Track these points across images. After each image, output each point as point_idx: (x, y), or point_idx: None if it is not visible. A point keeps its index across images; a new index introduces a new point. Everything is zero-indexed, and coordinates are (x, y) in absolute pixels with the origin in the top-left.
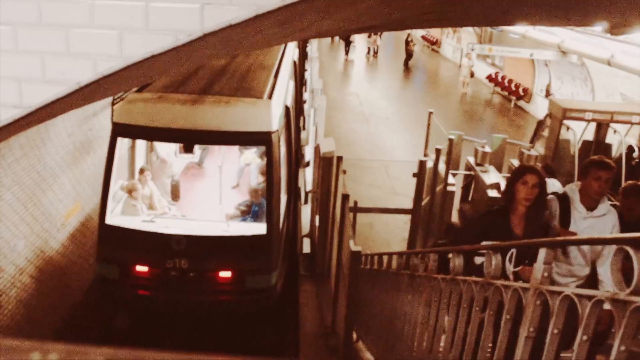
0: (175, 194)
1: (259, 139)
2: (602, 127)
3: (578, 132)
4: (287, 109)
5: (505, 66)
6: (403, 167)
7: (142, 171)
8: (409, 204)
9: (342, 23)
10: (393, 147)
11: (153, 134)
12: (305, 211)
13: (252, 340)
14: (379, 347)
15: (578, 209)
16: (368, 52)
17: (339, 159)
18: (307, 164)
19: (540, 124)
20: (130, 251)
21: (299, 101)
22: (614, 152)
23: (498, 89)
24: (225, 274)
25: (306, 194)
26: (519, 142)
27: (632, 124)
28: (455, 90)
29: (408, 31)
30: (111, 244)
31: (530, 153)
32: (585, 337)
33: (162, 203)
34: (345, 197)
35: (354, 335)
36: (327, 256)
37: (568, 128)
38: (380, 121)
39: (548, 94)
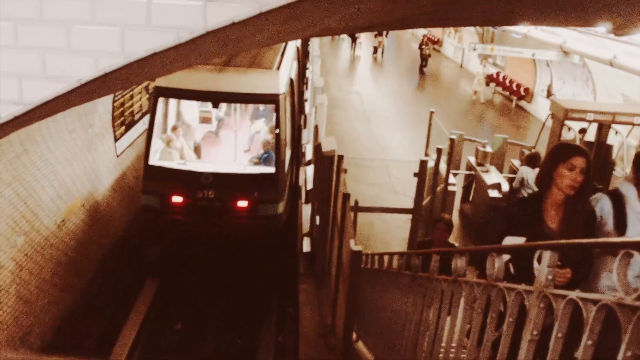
0: (197, 154)
1: (270, 99)
2: (603, 128)
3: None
4: (291, 80)
5: (507, 66)
6: (404, 167)
7: (174, 128)
8: (409, 203)
9: (345, 21)
10: (394, 146)
11: (187, 94)
12: (306, 210)
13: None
14: (379, 347)
15: (635, 209)
16: (374, 52)
17: (340, 157)
18: (309, 163)
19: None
20: (168, 185)
21: (300, 78)
22: (615, 154)
23: (499, 89)
24: (243, 203)
25: (307, 192)
26: (520, 142)
27: (633, 125)
28: (457, 89)
29: (420, 34)
30: (153, 180)
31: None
32: (590, 342)
33: (191, 154)
34: (346, 196)
35: (354, 335)
36: (328, 255)
37: (569, 129)
38: (381, 120)
39: (549, 94)
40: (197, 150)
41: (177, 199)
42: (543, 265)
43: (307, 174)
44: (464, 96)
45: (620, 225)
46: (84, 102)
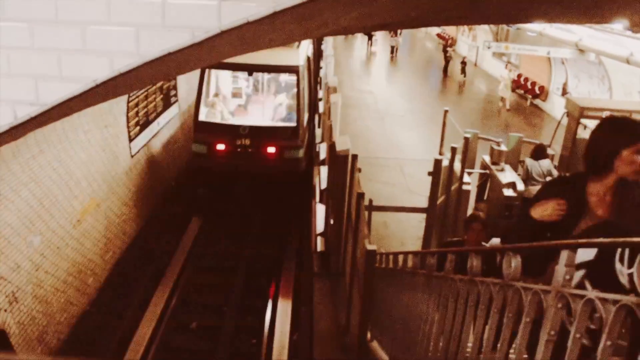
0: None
1: (292, 70)
2: None
3: None
4: (308, 57)
5: (522, 64)
6: (418, 166)
7: (216, 94)
8: (424, 202)
9: (359, 20)
10: (408, 145)
11: (229, 66)
12: (320, 209)
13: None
14: (394, 347)
15: None
16: (392, 52)
17: (354, 157)
18: (323, 162)
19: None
20: (213, 135)
21: (315, 57)
22: None
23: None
24: (272, 149)
25: (321, 192)
26: (535, 141)
27: None
28: (471, 88)
29: (434, 32)
30: (202, 132)
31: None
32: (609, 343)
33: (229, 115)
34: (361, 196)
35: (369, 335)
36: (342, 255)
37: (585, 127)
38: (395, 119)
39: (565, 92)
40: (232, 114)
41: (220, 146)
42: (561, 265)
43: (321, 173)
44: (478, 94)
45: None
46: (99, 102)
